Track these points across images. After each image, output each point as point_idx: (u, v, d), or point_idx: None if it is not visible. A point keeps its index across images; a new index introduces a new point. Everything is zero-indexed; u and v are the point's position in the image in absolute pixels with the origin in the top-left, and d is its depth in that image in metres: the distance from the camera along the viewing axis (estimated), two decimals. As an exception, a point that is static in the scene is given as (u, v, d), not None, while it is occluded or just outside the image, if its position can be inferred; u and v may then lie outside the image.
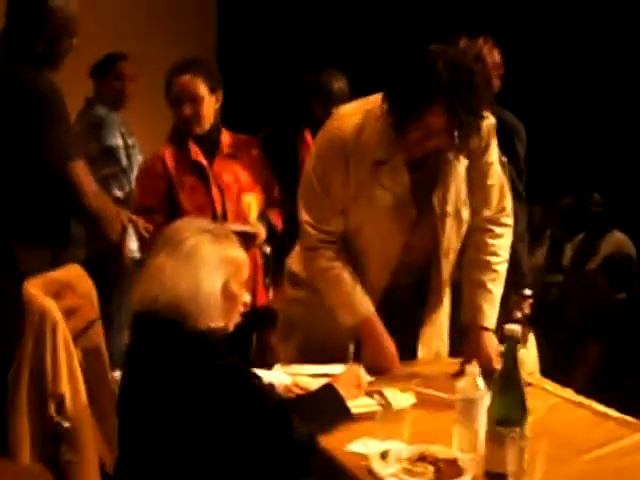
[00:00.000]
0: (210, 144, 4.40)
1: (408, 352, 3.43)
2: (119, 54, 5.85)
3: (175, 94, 4.33)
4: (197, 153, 4.35)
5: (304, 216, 3.31)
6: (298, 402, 2.67)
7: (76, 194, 3.63)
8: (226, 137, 4.45)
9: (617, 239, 7.20)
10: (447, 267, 3.38)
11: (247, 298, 2.83)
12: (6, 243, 3.60)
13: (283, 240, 4.40)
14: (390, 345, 3.27)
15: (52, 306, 2.85)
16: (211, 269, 2.66)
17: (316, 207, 3.29)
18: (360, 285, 3.27)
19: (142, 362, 2.65)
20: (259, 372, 2.86)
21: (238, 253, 2.77)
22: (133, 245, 5.52)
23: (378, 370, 3.18)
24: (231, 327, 2.80)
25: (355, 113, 3.23)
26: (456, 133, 2.99)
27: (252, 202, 4.32)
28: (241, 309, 2.81)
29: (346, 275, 3.27)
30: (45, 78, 3.69)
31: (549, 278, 7.60)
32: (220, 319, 2.70)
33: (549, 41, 7.54)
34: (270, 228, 4.46)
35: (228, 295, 2.71)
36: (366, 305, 3.26)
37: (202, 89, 4.31)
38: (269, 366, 3.78)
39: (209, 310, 2.65)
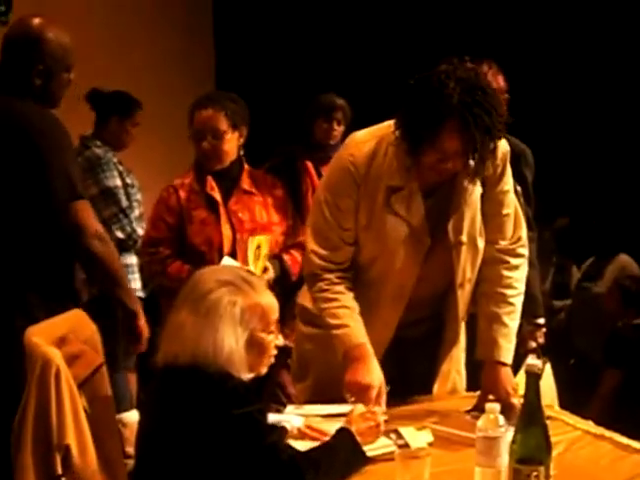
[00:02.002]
0: (229, 180, 4.37)
1: (424, 387, 3.36)
2: (137, 100, 5.79)
3: (196, 128, 4.33)
4: (213, 188, 4.32)
5: (312, 245, 3.25)
6: (313, 455, 2.56)
7: (79, 234, 3.51)
8: (247, 174, 4.40)
9: (623, 262, 7.14)
10: (463, 299, 3.31)
11: (279, 341, 2.75)
12: (21, 290, 3.52)
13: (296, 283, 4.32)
14: (380, 374, 3.10)
15: (55, 354, 2.76)
16: (233, 324, 2.57)
17: (325, 237, 3.22)
18: (358, 311, 3.19)
19: (163, 406, 2.58)
20: (271, 416, 2.77)
21: (263, 298, 2.67)
22: (137, 284, 5.47)
23: (358, 390, 3.03)
24: (263, 371, 2.73)
25: (368, 140, 3.19)
26: (471, 156, 2.93)
27: (262, 243, 4.24)
28: (273, 352, 2.72)
29: (345, 299, 3.19)
30: (47, 113, 3.61)
31: (556, 303, 7.54)
32: (246, 370, 2.62)
33: (548, 65, 7.54)
34: (283, 269, 4.38)
35: (255, 344, 2.63)
36: (361, 332, 3.15)
37: (223, 124, 4.28)
38: (281, 405, 3.72)
39: (233, 364, 2.56)
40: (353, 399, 3.00)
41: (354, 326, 3.15)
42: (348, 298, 3.20)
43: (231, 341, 2.56)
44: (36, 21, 3.67)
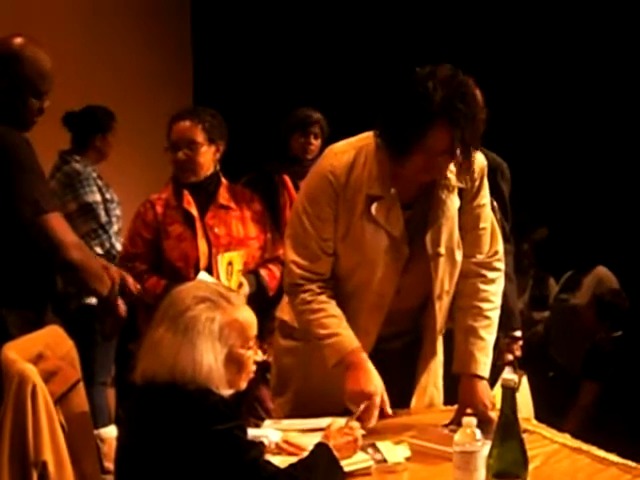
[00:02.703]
0: (206, 195, 4.38)
1: (402, 401, 3.34)
2: (110, 111, 5.80)
3: (173, 139, 4.35)
4: (189, 202, 4.33)
5: (291, 256, 3.24)
6: (292, 471, 2.54)
7: (54, 247, 3.49)
8: (225, 189, 4.40)
9: (600, 274, 7.16)
10: (441, 312, 3.30)
11: (258, 357, 2.74)
12: None
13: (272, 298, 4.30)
14: (379, 380, 3.11)
15: (31, 371, 2.75)
16: (211, 341, 2.56)
17: (304, 247, 3.21)
18: (345, 318, 3.18)
19: (142, 422, 2.56)
20: (250, 431, 2.76)
21: (241, 314, 2.66)
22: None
23: (362, 399, 3.03)
24: (243, 387, 2.71)
25: (347, 150, 3.20)
26: (459, 147, 2.96)
27: (234, 260, 4.24)
28: (253, 368, 2.71)
29: (330, 308, 3.19)
30: (12, 131, 3.54)
31: (534, 315, 7.56)
32: (226, 386, 2.61)
33: (525, 78, 7.58)
34: (259, 284, 4.37)
35: (234, 361, 2.62)
36: (352, 338, 3.15)
37: (200, 137, 4.31)
38: (260, 419, 3.70)
39: (212, 381, 2.55)
40: (362, 406, 2.98)
41: (345, 334, 3.15)
42: (333, 307, 3.20)
43: (210, 358, 2.55)
44: (18, 40, 3.62)
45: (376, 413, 3.03)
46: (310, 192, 3.24)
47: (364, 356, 3.13)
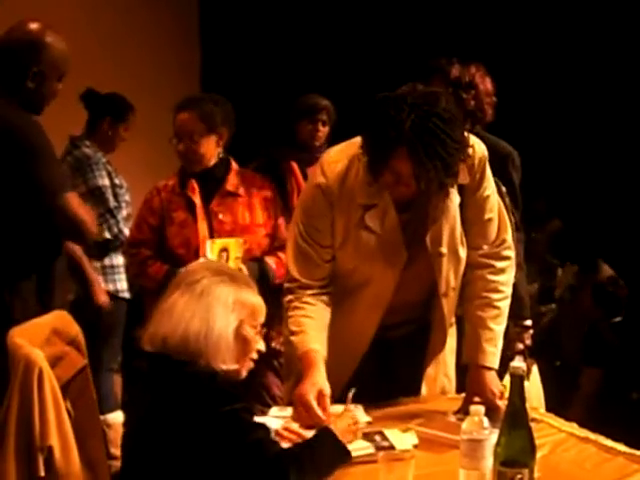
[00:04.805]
0: (214, 181, 4.36)
1: (411, 389, 3.35)
2: (132, 105, 5.78)
3: (175, 131, 4.35)
4: (193, 189, 4.33)
5: (290, 263, 3.25)
6: (297, 452, 2.56)
7: (76, 224, 3.53)
8: (234, 175, 4.39)
9: (608, 272, 7.14)
10: (448, 306, 3.29)
11: (261, 346, 2.73)
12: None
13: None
14: (322, 381, 3.01)
15: (38, 355, 2.75)
16: (224, 309, 2.59)
17: (302, 255, 3.22)
18: (324, 323, 3.17)
19: (150, 400, 2.55)
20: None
21: (254, 298, 2.69)
22: (123, 285, 5.46)
23: (295, 405, 2.99)
24: (244, 373, 2.70)
25: (340, 159, 3.17)
26: (424, 184, 2.90)
27: (230, 246, 4.22)
28: (254, 356, 2.71)
29: (311, 310, 3.17)
30: (25, 114, 3.58)
31: (541, 308, 7.54)
32: (233, 361, 2.62)
33: (536, 67, 7.56)
34: (263, 272, 4.34)
35: (241, 338, 2.63)
36: (315, 339, 3.12)
37: (198, 127, 4.30)
38: (266, 406, 3.71)
39: (220, 351, 2.57)
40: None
41: (311, 334, 3.13)
42: (314, 310, 3.18)
43: (222, 324, 2.57)
44: (36, 26, 3.65)
45: (314, 413, 2.91)
46: (304, 203, 3.26)
47: (315, 358, 3.06)
